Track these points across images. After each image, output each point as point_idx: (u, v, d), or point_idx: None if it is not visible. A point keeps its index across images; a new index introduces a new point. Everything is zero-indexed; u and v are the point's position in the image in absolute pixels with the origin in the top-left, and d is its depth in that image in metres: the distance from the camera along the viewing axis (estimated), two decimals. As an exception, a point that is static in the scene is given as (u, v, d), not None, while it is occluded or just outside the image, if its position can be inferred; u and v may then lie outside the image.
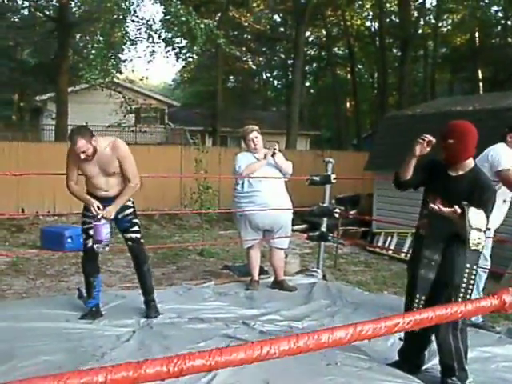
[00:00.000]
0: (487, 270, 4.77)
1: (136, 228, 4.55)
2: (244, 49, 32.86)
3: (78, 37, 27.54)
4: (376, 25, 31.11)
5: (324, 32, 32.38)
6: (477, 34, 28.79)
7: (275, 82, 43.40)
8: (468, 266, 3.25)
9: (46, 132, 24.02)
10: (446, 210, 3.19)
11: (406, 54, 26.56)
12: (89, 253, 4.48)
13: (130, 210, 4.51)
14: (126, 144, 4.50)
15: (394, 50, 31.56)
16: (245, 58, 35.03)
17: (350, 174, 10.82)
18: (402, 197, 6.94)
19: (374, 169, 11.50)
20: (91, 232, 4.42)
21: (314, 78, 39.79)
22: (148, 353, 3.75)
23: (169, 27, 15.43)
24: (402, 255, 9.09)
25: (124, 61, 17.75)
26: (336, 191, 10.13)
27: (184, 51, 19.24)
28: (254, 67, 38.11)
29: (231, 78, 38.56)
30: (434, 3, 28.75)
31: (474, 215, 3.12)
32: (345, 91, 34.75)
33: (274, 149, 5.75)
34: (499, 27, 30.75)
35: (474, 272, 3.27)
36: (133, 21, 15.66)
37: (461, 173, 3.37)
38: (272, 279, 6.02)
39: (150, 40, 15.99)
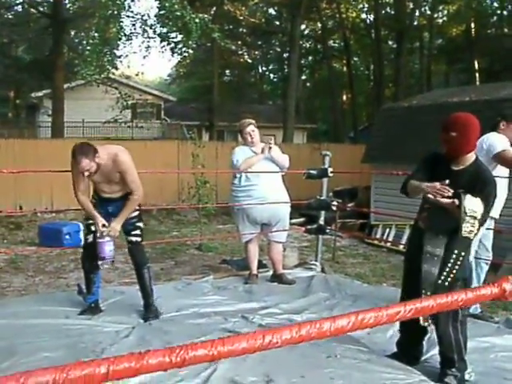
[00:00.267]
0: (489, 262, 4.77)
1: (137, 232, 4.54)
2: (239, 42, 32.81)
3: (72, 33, 27.48)
4: (371, 17, 31.06)
5: (319, 25, 32.30)
6: (473, 25, 28.77)
7: (271, 76, 43.39)
8: (456, 251, 3.22)
9: (42, 129, 24.01)
10: (443, 200, 3.19)
11: (401, 45, 26.59)
12: (89, 248, 4.48)
13: (135, 213, 4.50)
14: (125, 147, 4.48)
15: (390, 42, 31.57)
16: (240, 52, 34.97)
17: (347, 167, 10.82)
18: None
19: (371, 161, 11.51)
20: (93, 228, 4.43)
21: (309, 71, 39.76)
22: (148, 348, 3.75)
23: (164, 22, 15.40)
24: (401, 247, 9.12)
25: (119, 56, 17.70)
26: (333, 184, 10.13)
27: (179, 46, 19.18)
28: (249, 61, 38.04)
29: (227, 72, 38.51)
30: (430, -6, 28.72)
31: (470, 202, 3.11)
32: (341, 84, 34.71)
33: (270, 143, 5.75)
34: (495, 17, 30.78)
35: (460, 258, 3.22)
36: (128, 16, 15.62)
37: (462, 167, 3.35)
38: (271, 273, 6.03)
39: (145, 35, 15.97)
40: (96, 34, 14.87)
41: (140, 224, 4.58)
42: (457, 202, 3.11)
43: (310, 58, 38.11)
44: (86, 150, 4.11)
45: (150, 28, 15.80)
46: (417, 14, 29.31)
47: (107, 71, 16.04)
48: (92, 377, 0.91)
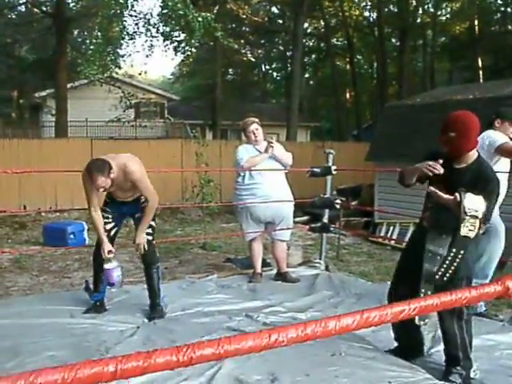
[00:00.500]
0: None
1: (149, 230, 4.55)
2: (242, 41, 32.79)
3: (75, 32, 27.50)
4: (374, 14, 31.04)
5: (322, 23, 32.27)
6: (476, 22, 28.67)
7: (274, 74, 43.37)
8: (454, 250, 3.19)
9: (46, 129, 24.04)
10: (444, 196, 3.17)
11: (404, 43, 26.55)
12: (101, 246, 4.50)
13: None
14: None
15: (393, 40, 31.51)
16: (243, 51, 34.93)
17: (351, 165, 10.82)
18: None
19: (374, 159, 11.49)
20: (107, 226, 4.48)
21: (313, 69, 39.75)
22: (153, 347, 3.74)
23: (166, 21, 15.42)
24: (405, 245, 9.09)
25: (123, 56, 17.76)
26: (337, 182, 10.11)
27: (182, 45, 19.23)
28: (252, 59, 38.01)
29: (230, 70, 38.50)
30: (433, -8, 28.65)
31: (470, 201, 3.08)
32: (344, 82, 34.68)
33: (271, 142, 5.73)
34: (499, 14, 30.67)
35: (459, 256, 3.19)
36: (130, 15, 15.66)
37: (465, 165, 3.33)
38: (275, 271, 6.03)
39: (148, 34, 15.99)
40: (99, 34, 14.91)
41: (152, 223, 4.59)
42: (458, 197, 3.10)
43: (313, 56, 38.05)
44: (101, 167, 4.08)
45: (153, 27, 15.83)
46: (420, 11, 29.28)
47: (110, 70, 16.09)
48: (100, 375, 0.92)
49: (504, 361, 3.64)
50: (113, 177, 4.14)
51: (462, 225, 3.07)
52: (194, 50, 18.84)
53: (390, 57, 29.97)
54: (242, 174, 5.73)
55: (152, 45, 16.59)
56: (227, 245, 9.20)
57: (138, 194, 4.46)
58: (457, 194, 3.10)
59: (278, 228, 5.81)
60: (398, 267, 3.77)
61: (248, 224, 5.78)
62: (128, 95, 21.22)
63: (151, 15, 15.92)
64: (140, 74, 22.56)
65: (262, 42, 36.12)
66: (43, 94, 25.65)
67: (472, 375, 3.37)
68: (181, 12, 13.48)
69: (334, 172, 6.28)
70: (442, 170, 3.23)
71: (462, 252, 3.20)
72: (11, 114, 31.78)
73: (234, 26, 31.10)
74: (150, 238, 4.55)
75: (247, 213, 5.73)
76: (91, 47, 15.16)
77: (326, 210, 6.54)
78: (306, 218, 11.21)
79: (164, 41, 18.06)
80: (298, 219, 9.69)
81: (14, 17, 25.73)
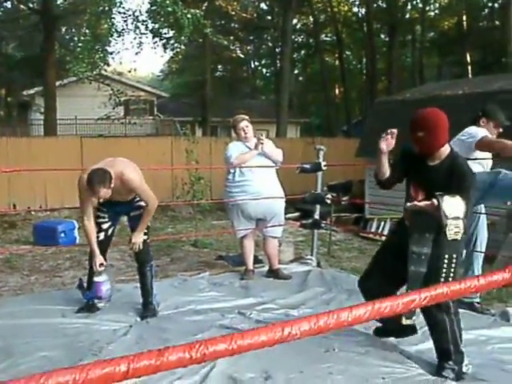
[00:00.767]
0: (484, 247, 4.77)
1: (145, 230, 4.56)
2: (231, 38, 32.72)
3: (63, 30, 27.32)
4: (363, 10, 31.06)
5: (311, 19, 32.28)
6: (464, 18, 28.79)
7: (264, 71, 43.32)
8: (447, 256, 3.20)
9: (34, 127, 23.91)
10: (421, 204, 3.18)
11: (393, 39, 26.63)
12: (99, 245, 4.48)
13: (142, 211, 4.49)
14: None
15: (382, 36, 31.56)
16: (233, 47, 34.89)
17: (341, 161, 10.81)
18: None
19: (364, 155, 11.51)
20: (104, 226, 4.48)
21: (302, 65, 39.74)
22: (146, 346, 3.75)
23: (155, 18, 15.35)
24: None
25: (111, 53, 17.65)
26: (327, 178, 10.14)
27: (171, 42, 19.17)
28: (242, 56, 37.98)
29: (219, 67, 38.43)
30: (421, -13, 28.74)
31: (449, 204, 3.07)
32: (333, 78, 34.73)
33: (261, 139, 5.72)
34: (486, 10, 30.80)
35: (454, 261, 3.21)
36: (119, 12, 15.57)
37: (438, 161, 3.32)
38: (266, 268, 6.04)
39: (137, 31, 15.92)
40: (87, 31, 14.82)
41: (148, 222, 4.59)
42: (435, 202, 3.09)
43: (303, 52, 38.08)
44: (102, 178, 4.05)
45: (142, 24, 15.76)
46: (409, 7, 29.34)
47: (99, 68, 16.00)
48: (112, 375, 0.92)
49: (496, 355, 3.67)
50: (113, 186, 4.13)
51: (447, 229, 3.07)
52: (183, 46, 18.77)
53: (379, 52, 30.01)
54: (233, 171, 5.72)
55: (141, 42, 16.53)
56: (218, 242, 9.19)
57: (134, 195, 4.45)
58: (434, 200, 3.09)
59: (269, 225, 5.82)
60: (375, 259, 3.81)
61: (239, 221, 5.78)
62: (117, 93, 21.12)
63: (140, 12, 15.86)
64: (130, 72, 22.48)
65: (251, 38, 36.11)
66: (31, 91, 25.48)
67: (464, 370, 3.38)
68: (169, 9, 13.44)
69: (324, 168, 6.28)
70: (394, 130, 3.28)
71: (454, 256, 3.23)
72: (-1, 112, 31.58)
73: (222, 22, 31.05)
74: (145, 237, 4.54)
75: (238, 210, 5.73)
76: (79, 44, 15.07)
77: (317, 207, 6.54)
78: (296, 214, 11.23)
79: (153, 38, 18.01)
80: (289, 215, 9.70)
81: None
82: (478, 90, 9.45)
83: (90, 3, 14.24)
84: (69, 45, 25.61)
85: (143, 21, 15.78)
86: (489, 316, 4.45)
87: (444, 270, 3.21)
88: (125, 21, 15.83)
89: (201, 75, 27.25)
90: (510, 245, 7.10)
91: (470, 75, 25.95)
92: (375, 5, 29.69)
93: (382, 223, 10.36)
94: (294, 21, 29.13)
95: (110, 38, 15.64)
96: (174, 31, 15.69)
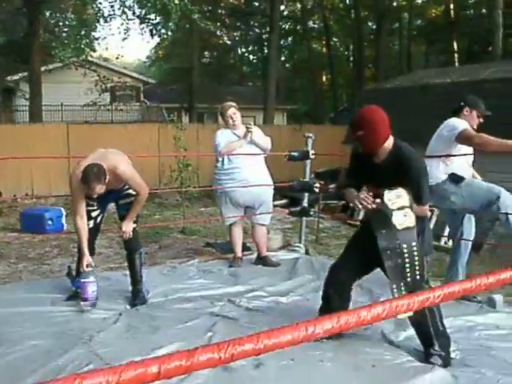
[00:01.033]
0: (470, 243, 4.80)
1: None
2: (219, 24, 32.51)
3: (47, 14, 26.94)
4: (351, -3, 30.95)
5: (299, 5, 32.14)
6: (452, 6, 28.79)
7: (251, 57, 43.13)
8: (405, 245, 3.19)
9: (19, 113, 23.64)
10: (370, 207, 3.23)
11: (381, 26, 26.59)
12: (88, 233, 4.45)
13: (132, 199, 4.47)
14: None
15: (370, 23, 31.51)
16: (219, 34, 34.67)
17: (328, 148, 10.79)
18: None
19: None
20: (93, 214, 4.46)
21: (289, 52, 39.60)
22: (136, 334, 3.76)
23: (142, 3, 15.21)
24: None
25: (97, 38, 17.50)
26: (315, 165, 10.14)
27: (158, 28, 19.02)
28: (228, 42, 37.77)
29: (206, 53, 38.19)
30: (409, -26, 28.67)
31: (391, 198, 3.12)
32: (321, 65, 34.67)
33: (249, 127, 5.72)
34: (474, -2, 30.81)
35: (414, 248, 3.21)
36: (105, -3, 15.41)
37: (383, 157, 3.33)
38: (255, 255, 6.06)
39: (124, 17, 15.77)
40: (73, 16, 14.66)
41: None
42: (380, 200, 3.15)
43: (290, 38, 37.93)
44: (98, 174, 4.01)
45: (129, 9, 15.60)
46: (396, -6, 29.28)
47: (85, 53, 15.84)
48: (144, 376, 0.93)
49: (483, 341, 3.72)
50: (107, 181, 4.12)
51: (394, 220, 3.13)
52: (170, 33, 18.62)
53: (366, 40, 29.99)
54: (221, 159, 5.72)
55: (128, 28, 16.39)
56: (206, 229, 9.19)
57: (124, 183, 4.43)
58: (378, 200, 3.16)
59: (257, 212, 5.83)
60: (348, 246, 3.92)
61: (227, 208, 5.79)
62: (103, 79, 20.94)
63: (127, -3, 15.69)
64: (117, 58, 22.29)
65: (238, 24, 35.85)
66: (16, 77, 25.15)
67: (453, 355, 3.43)
68: (156, -6, 13.31)
69: (311, 156, 6.30)
70: (373, 205, 3.23)
71: (413, 244, 3.22)
72: (-17, 98, 31.16)
73: (209, 8, 30.78)
74: (135, 225, 4.53)
75: (226, 197, 5.73)
76: (65, 29, 14.91)
77: (306, 194, 6.56)
78: (284, 201, 11.25)
79: (140, 24, 17.86)
80: (276, 202, 9.72)
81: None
82: (466, 79, 9.49)
83: (76, -12, 14.08)
84: (54, 30, 25.28)
85: (130, 6, 15.64)
86: (476, 303, 4.50)
87: (408, 260, 3.21)
88: (112, 6, 15.69)
89: (188, 62, 27.09)
90: (497, 233, 7.17)
91: (456, 63, 26.03)
92: (363, -8, 29.61)
93: (369, 211, 10.39)
94: (282, 7, 28.99)
95: (97, 24, 15.48)
96: (161, 17, 15.57)
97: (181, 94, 27.08)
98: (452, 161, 4.55)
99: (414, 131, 6.81)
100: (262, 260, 5.90)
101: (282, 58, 37.79)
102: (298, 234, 6.82)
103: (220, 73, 38.63)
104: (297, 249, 6.48)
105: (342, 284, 3.69)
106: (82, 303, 4.24)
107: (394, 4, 28.69)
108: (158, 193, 12.77)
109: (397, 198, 3.13)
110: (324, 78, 37.99)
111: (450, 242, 7.70)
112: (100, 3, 14.98)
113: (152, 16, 17.09)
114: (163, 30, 18.93)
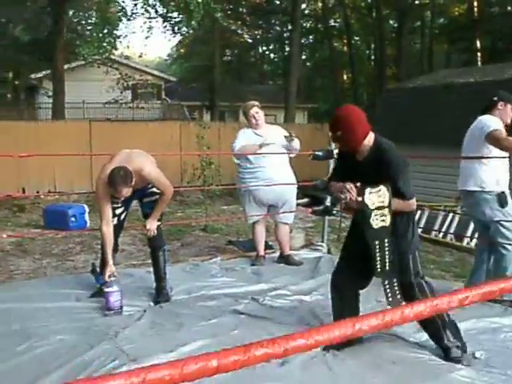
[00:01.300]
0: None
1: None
2: (240, 22, 32.55)
3: (70, 13, 27.21)
4: (372, -5, 30.75)
5: (320, 4, 32.02)
6: (475, 4, 28.46)
7: (271, 56, 43.08)
8: (376, 242, 3.23)
9: (42, 110, 23.90)
10: (353, 204, 3.24)
11: (403, 25, 26.39)
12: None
13: (156, 197, 4.50)
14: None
15: (391, 22, 31.29)
16: (241, 32, 34.69)
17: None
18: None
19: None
20: (117, 211, 4.48)
21: (310, 50, 39.48)
22: (161, 331, 3.79)
23: (165, 2, 15.27)
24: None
25: (119, 37, 17.62)
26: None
27: (180, 25, 19.07)
28: (250, 41, 37.76)
29: (227, 52, 38.23)
30: (431, -28, 28.41)
31: (370, 196, 3.13)
32: (342, 63, 34.51)
33: (292, 137, 5.69)
34: (498, -5, 30.42)
35: (386, 245, 3.24)
36: (128, -4, 15.52)
37: (365, 154, 3.33)
38: (277, 254, 6.06)
39: (147, 15, 15.86)
40: (96, 15, 14.78)
41: None
42: (360, 199, 3.16)
43: (311, 37, 37.80)
44: (124, 177, 4.04)
45: (152, 8, 15.68)
46: (418, -8, 29.04)
47: (108, 51, 15.96)
48: (204, 370, 0.96)
49: (509, 343, 3.69)
50: (134, 184, 4.16)
51: (371, 220, 3.16)
52: (191, 31, 18.68)
53: (387, 38, 29.77)
54: (240, 159, 5.72)
55: (151, 26, 16.49)
56: (228, 227, 9.21)
57: (148, 182, 4.46)
58: (359, 198, 3.16)
59: (280, 211, 5.82)
60: (344, 244, 3.93)
61: (251, 207, 5.80)
62: (125, 77, 21.10)
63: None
64: (140, 56, 22.39)
65: (260, 23, 35.83)
66: (39, 75, 25.44)
67: (477, 355, 3.41)
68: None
69: (335, 155, 6.26)
70: (358, 198, 3.21)
71: (386, 240, 3.25)
72: (6, 95, 31.57)
73: (231, 6, 30.81)
74: (159, 222, 4.56)
75: (250, 196, 5.74)
76: (88, 28, 15.04)
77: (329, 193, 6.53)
78: (305, 200, 11.21)
79: (163, 22, 17.93)
80: (298, 201, 9.69)
81: (7, -4, 25.35)
82: (490, 78, 9.38)
83: (100, -14, 14.19)
84: (77, 28, 25.54)
85: (153, 5, 15.71)
86: (501, 305, 4.45)
87: (378, 255, 3.25)
88: (135, 5, 15.79)
89: (208, 60, 27.14)
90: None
91: (479, 62, 25.73)
92: (385, -10, 29.41)
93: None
94: (303, 6, 28.90)
95: (120, 22, 15.60)
96: (183, 15, 15.61)
97: (202, 92, 27.14)
98: (489, 159, 4.46)
99: (438, 131, 6.71)
100: (284, 258, 5.90)
101: (303, 57, 37.69)
102: (321, 233, 6.81)
103: (241, 71, 38.67)
104: (319, 248, 6.47)
105: (340, 288, 3.66)
106: (105, 312, 4.22)
107: (416, 2, 28.46)
108: (180, 190, 12.84)
109: (377, 198, 3.15)
110: (345, 77, 37.80)
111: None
112: (123, 1, 15.10)
113: (174, 14, 17.16)
114: (185, 28, 18.99)
